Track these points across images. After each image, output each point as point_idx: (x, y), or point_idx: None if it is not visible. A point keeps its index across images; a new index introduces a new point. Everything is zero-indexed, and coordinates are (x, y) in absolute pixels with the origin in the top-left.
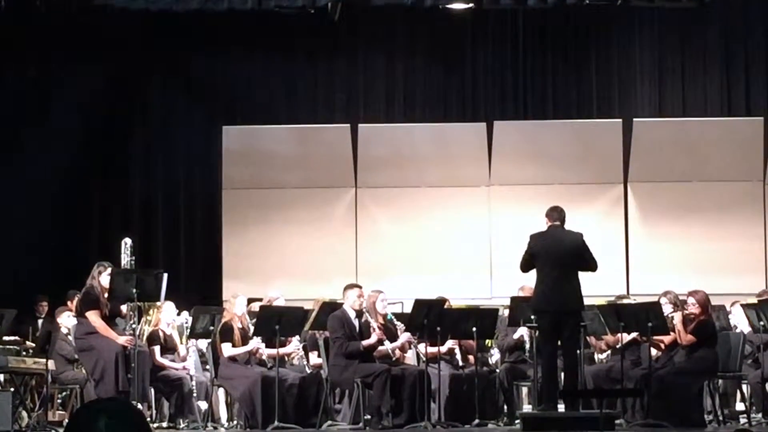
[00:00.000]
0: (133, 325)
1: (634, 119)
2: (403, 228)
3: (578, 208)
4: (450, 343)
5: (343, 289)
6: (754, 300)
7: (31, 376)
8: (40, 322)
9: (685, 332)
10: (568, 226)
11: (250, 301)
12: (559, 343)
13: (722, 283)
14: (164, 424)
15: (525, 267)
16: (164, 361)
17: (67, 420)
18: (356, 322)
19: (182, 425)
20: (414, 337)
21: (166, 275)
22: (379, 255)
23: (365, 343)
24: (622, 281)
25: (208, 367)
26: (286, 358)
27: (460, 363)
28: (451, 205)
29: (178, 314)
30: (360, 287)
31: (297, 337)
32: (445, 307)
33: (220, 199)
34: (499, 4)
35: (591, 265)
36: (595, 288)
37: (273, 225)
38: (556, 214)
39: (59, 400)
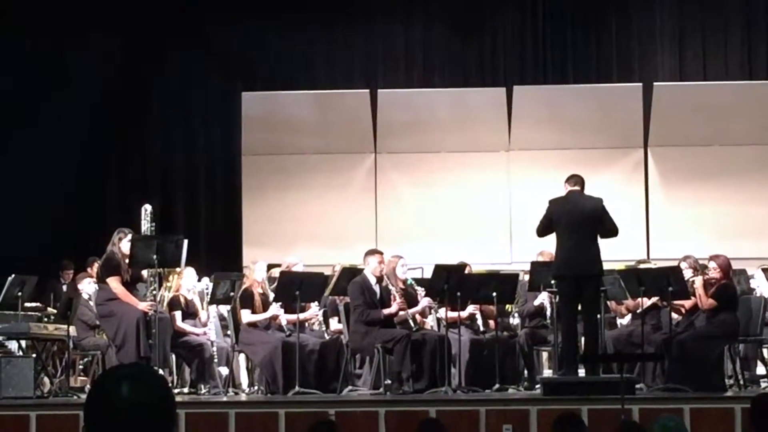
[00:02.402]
0: (154, 291)
1: (655, 83)
2: (423, 193)
3: (598, 173)
4: (471, 308)
5: (363, 254)
6: None
7: (53, 342)
8: (64, 288)
9: (706, 296)
10: (588, 191)
11: (270, 267)
12: (579, 307)
13: (743, 247)
14: (185, 390)
15: (542, 231)
16: (185, 326)
17: (89, 386)
18: (377, 288)
19: (203, 390)
20: (434, 302)
21: (186, 241)
22: (399, 220)
23: (386, 311)
24: (643, 246)
25: (228, 332)
26: (306, 324)
27: (481, 328)
28: (470, 170)
29: (199, 280)
30: (381, 253)
31: (316, 302)
32: (466, 272)
33: (240, 165)
34: None
35: (611, 230)
36: (616, 253)
37: (293, 191)
38: (575, 179)
39: (81, 366)
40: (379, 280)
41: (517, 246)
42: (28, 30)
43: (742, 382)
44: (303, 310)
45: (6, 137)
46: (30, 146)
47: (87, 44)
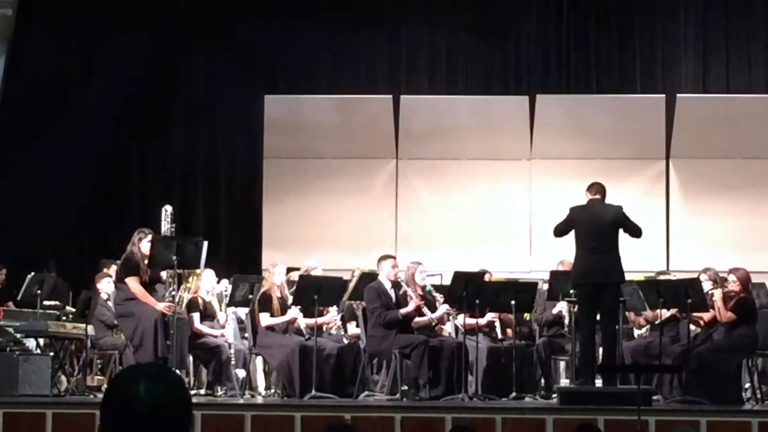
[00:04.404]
0: (173, 292)
1: (678, 95)
2: (444, 200)
3: (619, 183)
4: (490, 316)
5: (377, 260)
6: None
7: (71, 341)
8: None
9: (725, 309)
10: (608, 202)
11: (289, 270)
12: (597, 317)
13: (763, 260)
14: (202, 391)
15: (558, 233)
16: (203, 327)
17: (105, 385)
18: (392, 293)
19: (220, 392)
20: (452, 309)
21: (206, 243)
22: (419, 226)
23: (403, 311)
24: (663, 257)
25: (246, 335)
26: (324, 328)
27: (500, 336)
28: (491, 178)
29: (218, 282)
30: (394, 258)
31: (335, 307)
32: (486, 279)
33: (261, 168)
34: None
35: (634, 231)
36: (635, 264)
37: (313, 195)
38: (596, 187)
39: (98, 365)
40: (394, 284)
41: (536, 254)
42: (53, 27)
43: (759, 396)
44: (321, 314)
45: (30, 136)
46: (53, 144)
47: (112, 45)
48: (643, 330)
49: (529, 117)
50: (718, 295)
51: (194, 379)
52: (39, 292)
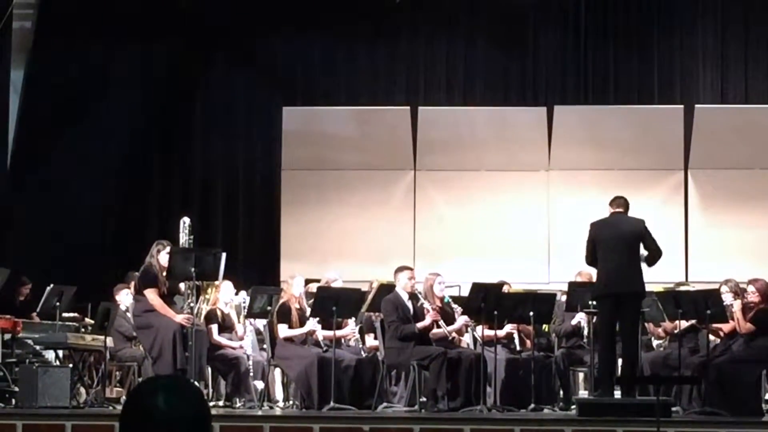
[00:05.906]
0: (191, 304)
1: (696, 105)
2: (462, 211)
3: (638, 194)
4: (509, 327)
5: (393, 272)
6: None
7: (90, 353)
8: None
9: (744, 320)
10: (630, 215)
11: (307, 281)
12: (617, 329)
13: None
14: (220, 403)
15: (591, 257)
16: (221, 339)
17: (124, 396)
18: (410, 304)
19: (238, 404)
20: (471, 320)
21: (224, 254)
22: (437, 238)
23: (420, 325)
24: (681, 268)
25: (265, 346)
26: (342, 340)
27: (518, 347)
28: (509, 189)
29: (236, 294)
30: (410, 269)
31: (353, 318)
32: (504, 291)
33: (279, 179)
34: None
35: (654, 250)
36: (654, 275)
37: (331, 206)
38: (619, 200)
39: (117, 377)
40: (411, 296)
41: (555, 266)
42: (72, 36)
43: None
44: (340, 325)
45: (49, 148)
46: (72, 156)
47: (130, 56)
48: (662, 341)
49: (547, 128)
50: (737, 306)
51: (213, 391)
52: (58, 304)
